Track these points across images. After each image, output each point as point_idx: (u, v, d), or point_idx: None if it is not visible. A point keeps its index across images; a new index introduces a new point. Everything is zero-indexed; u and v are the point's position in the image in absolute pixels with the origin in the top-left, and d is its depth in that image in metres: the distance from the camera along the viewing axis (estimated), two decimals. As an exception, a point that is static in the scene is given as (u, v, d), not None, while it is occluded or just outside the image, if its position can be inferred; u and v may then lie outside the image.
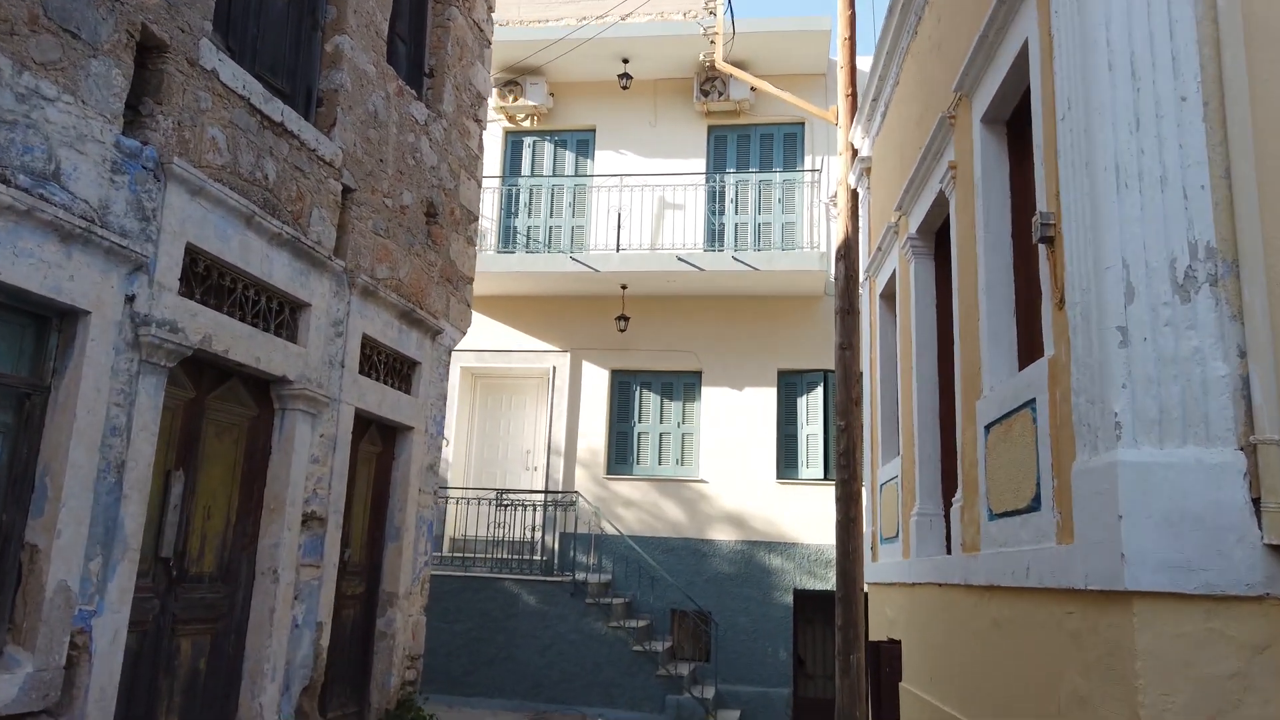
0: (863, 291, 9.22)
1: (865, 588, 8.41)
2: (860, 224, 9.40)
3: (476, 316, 12.52)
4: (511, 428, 12.71)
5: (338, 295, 5.89)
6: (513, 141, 13.12)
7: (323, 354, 5.69)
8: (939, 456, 6.36)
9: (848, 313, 9.49)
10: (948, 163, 5.64)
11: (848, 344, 9.51)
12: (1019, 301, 4.76)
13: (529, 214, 12.83)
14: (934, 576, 5.74)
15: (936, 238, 6.64)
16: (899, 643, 7.00)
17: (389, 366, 6.68)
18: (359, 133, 6.11)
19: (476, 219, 7.93)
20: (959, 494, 5.26)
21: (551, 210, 12.79)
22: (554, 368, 12.31)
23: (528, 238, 12.59)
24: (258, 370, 5.15)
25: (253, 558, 5.23)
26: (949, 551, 5.81)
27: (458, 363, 12.42)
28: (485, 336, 12.44)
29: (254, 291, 5.17)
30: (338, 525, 5.85)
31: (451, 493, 11.67)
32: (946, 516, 6.15)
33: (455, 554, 11.37)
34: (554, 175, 12.88)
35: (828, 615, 11.42)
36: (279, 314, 5.41)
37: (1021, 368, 4.57)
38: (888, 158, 8.01)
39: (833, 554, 11.11)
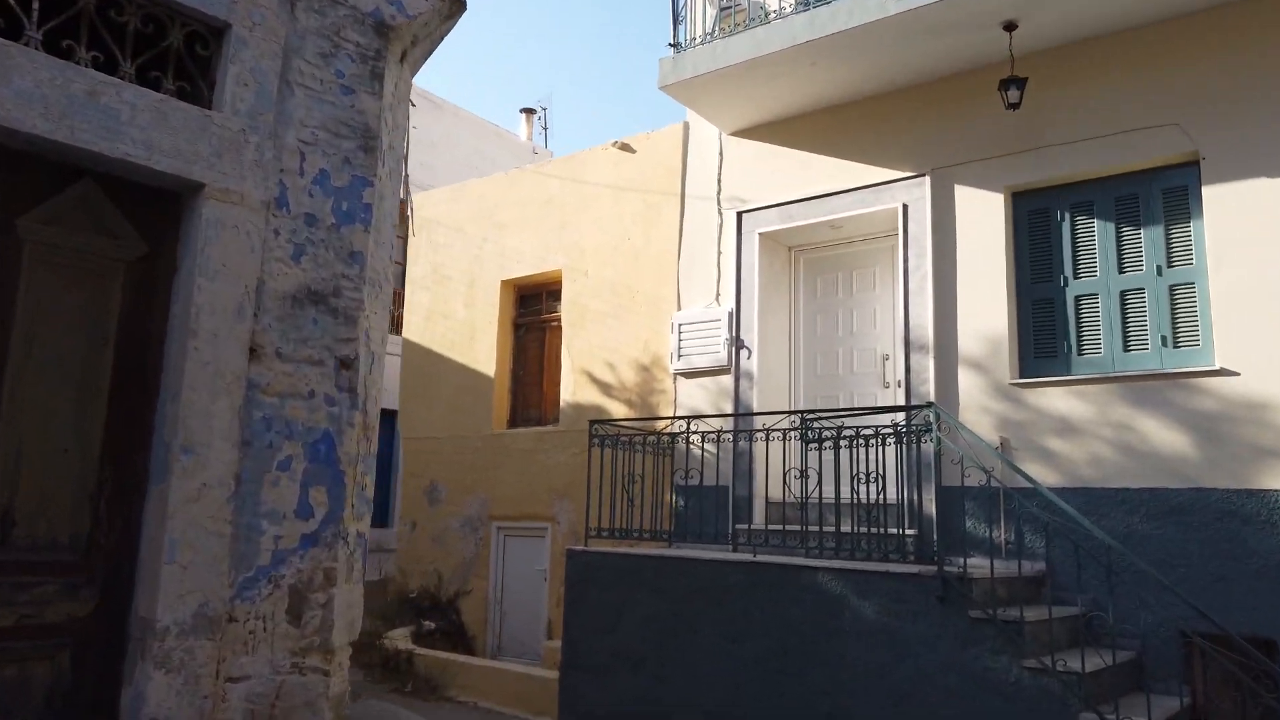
0: None
1: None
2: None
3: (771, 153, 7.90)
4: (855, 324, 7.78)
5: None
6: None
7: None
8: None
9: None
10: None
11: None
12: None
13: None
14: None
15: None
16: None
17: (110, 29, 2.63)
18: None
19: None
20: None
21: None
22: (904, 206, 7.14)
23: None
24: None
25: None
26: None
27: (754, 227, 7.89)
28: (791, 181, 7.73)
29: None
30: None
31: (748, 423, 7.16)
32: None
33: (781, 527, 6.77)
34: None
35: None
36: None
37: None
38: None
39: None
